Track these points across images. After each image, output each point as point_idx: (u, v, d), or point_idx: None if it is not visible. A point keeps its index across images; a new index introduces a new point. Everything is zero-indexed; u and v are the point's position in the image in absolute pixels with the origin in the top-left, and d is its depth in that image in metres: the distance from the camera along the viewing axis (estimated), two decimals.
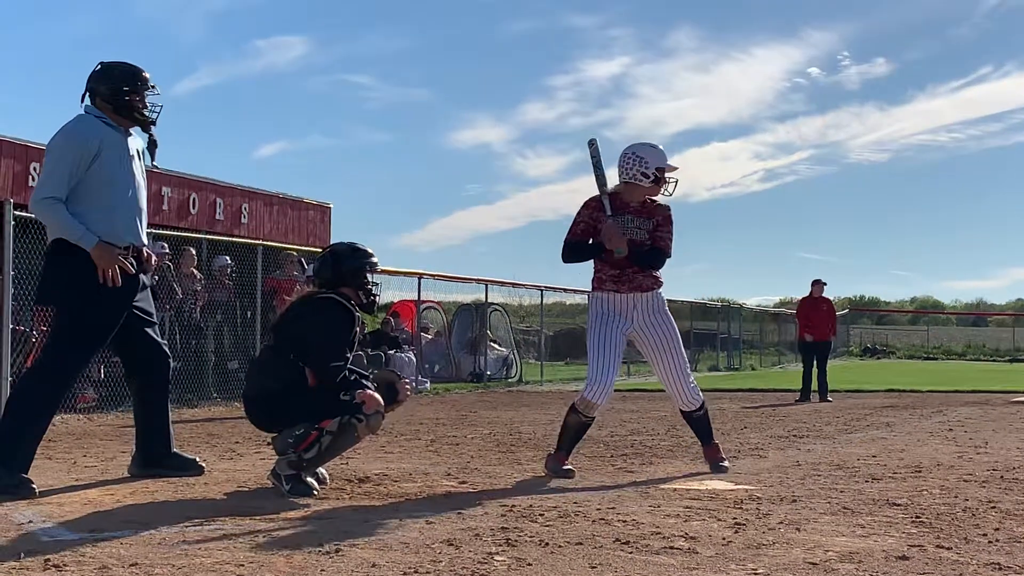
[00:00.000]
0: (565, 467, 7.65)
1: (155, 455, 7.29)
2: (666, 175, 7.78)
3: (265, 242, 18.41)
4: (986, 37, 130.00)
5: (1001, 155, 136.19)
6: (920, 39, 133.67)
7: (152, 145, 7.15)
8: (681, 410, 8.13)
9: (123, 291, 6.81)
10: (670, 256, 7.88)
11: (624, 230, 7.65)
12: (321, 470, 6.85)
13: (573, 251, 7.87)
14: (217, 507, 6.03)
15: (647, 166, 7.72)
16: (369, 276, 6.96)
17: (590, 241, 7.78)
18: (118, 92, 6.92)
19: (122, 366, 7.77)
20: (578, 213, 7.85)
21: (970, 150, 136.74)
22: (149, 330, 7.22)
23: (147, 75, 7.06)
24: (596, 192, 7.83)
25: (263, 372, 6.79)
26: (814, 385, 18.95)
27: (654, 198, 7.89)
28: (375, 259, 7.03)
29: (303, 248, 19.59)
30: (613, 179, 7.87)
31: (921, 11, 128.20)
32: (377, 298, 7.09)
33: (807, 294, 20.01)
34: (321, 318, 6.71)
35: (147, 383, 7.31)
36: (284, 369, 6.65)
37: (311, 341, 6.65)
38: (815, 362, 19.12)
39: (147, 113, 7.05)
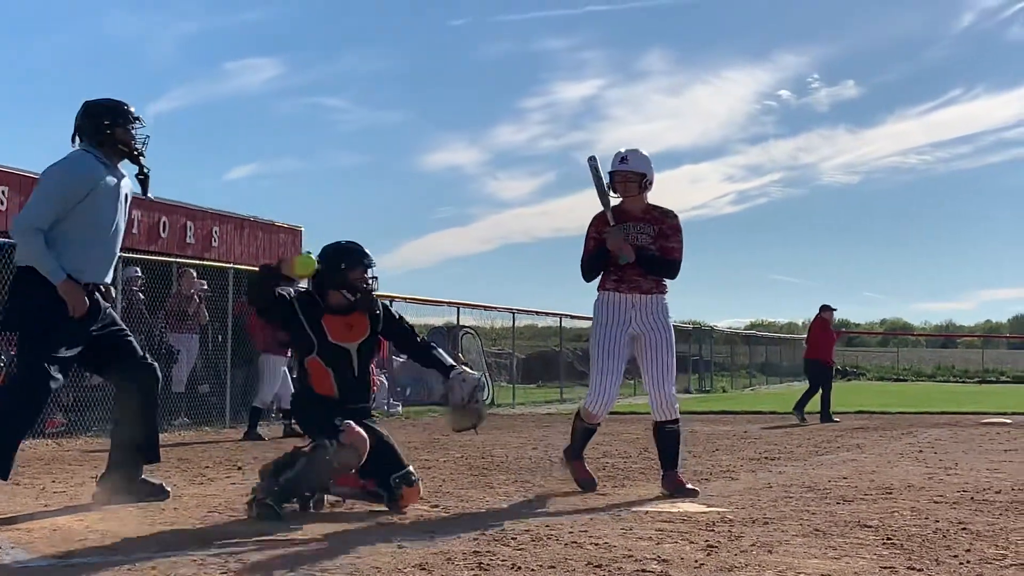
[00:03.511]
0: (583, 477, 8.08)
1: (123, 476, 7.27)
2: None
3: (236, 265, 18.34)
4: (955, 60, 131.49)
5: (970, 177, 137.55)
6: (889, 62, 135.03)
7: (143, 177, 7.21)
8: (654, 422, 8.19)
9: (83, 322, 6.86)
10: (680, 264, 8.05)
11: (625, 236, 7.84)
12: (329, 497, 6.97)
13: (589, 266, 8.06)
14: (187, 533, 5.99)
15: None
16: (351, 274, 6.97)
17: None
18: (100, 127, 6.99)
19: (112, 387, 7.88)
20: (587, 231, 8.08)
21: (939, 172, 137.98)
22: (126, 347, 7.24)
23: (130, 108, 7.11)
24: (599, 209, 8.05)
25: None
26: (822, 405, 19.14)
27: (657, 204, 8.12)
28: (356, 255, 7.05)
29: None
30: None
31: (890, 34, 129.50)
32: (359, 296, 7.03)
33: (821, 319, 20.16)
34: None
35: (127, 400, 7.31)
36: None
37: None
38: (821, 385, 19.36)
39: (135, 145, 7.09)
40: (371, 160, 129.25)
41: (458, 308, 26.46)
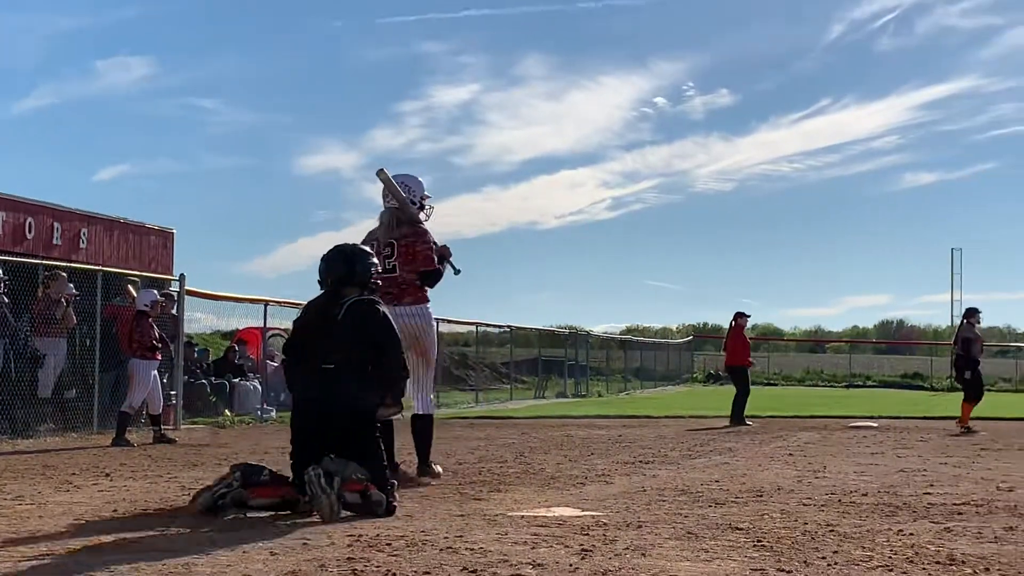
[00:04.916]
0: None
1: None
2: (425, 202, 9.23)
3: (105, 268, 17.95)
4: (825, 70, 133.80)
5: (839, 186, 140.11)
6: (762, 71, 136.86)
7: None
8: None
9: None
10: None
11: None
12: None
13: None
14: (52, 541, 5.84)
15: (414, 193, 9.14)
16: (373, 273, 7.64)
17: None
18: None
19: None
20: (429, 238, 9.03)
21: (810, 180, 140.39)
22: None
23: None
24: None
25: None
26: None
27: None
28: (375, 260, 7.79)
29: (144, 274, 19.16)
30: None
31: (763, 44, 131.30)
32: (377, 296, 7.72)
33: (736, 325, 20.54)
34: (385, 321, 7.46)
35: None
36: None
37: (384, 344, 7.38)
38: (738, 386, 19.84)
39: None
40: (246, 162, 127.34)
41: None
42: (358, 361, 7.25)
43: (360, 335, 7.26)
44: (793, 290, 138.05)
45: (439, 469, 9.16)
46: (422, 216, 9.11)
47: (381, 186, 9.17)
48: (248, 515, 6.73)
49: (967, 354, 18.30)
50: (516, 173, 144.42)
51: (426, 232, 9.00)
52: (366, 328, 7.28)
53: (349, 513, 6.69)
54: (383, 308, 7.51)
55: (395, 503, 6.99)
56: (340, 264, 7.50)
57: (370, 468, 6.93)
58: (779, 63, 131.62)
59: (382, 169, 8.99)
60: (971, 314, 18.94)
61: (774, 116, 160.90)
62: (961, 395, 18.78)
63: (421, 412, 9.24)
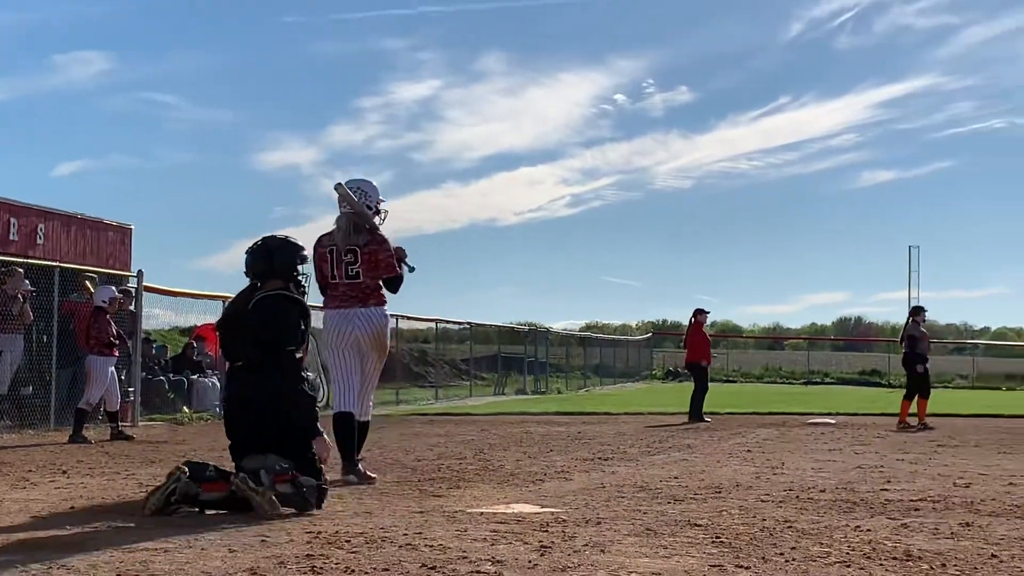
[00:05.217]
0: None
1: None
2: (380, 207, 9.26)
3: (62, 264, 17.81)
4: (784, 68, 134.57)
5: (797, 183, 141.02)
6: (721, 69, 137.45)
7: None
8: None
9: None
10: None
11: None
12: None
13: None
14: (8, 538, 5.78)
15: (370, 199, 9.19)
16: (300, 268, 7.51)
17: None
18: None
19: None
20: (390, 246, 9.09)
21: (769, 178, 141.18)
22: None
23: None
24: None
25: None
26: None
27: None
28: (306, 251, 7.67)
29: (102, 270, 19.01)
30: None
31: (723, 42, 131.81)
32: (307, 289, 7.76)
33: (695, 322, 20.64)
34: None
35: None
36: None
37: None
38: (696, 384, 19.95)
39: None
40: (205, 158, 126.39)
41: None
42: (263, 357, 7.19)
43: (265, 331, 7.21)
44: (752, 287, 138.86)
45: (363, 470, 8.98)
46: (377, 221, 9.12)
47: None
48: (205, 512, 6.69)
49: (913, 351, 18.65)
50: (476, 170, 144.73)
51: (385, 239, 9.05)
52: (270, 324, 7.22)
53: (290, 510, 6.67)
54: (296, 303, 7.40)
55: (326, 486, 7.01)
56: (261, 256, 7.46)
57: (293, 457, 6.89)
58: (738, 61, 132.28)
59: (340, 184, 9.05)
60: (917, 312, 19.45)
61: (733, 114, 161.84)
62: (903, 393, 19.00)
63: (360, 419, 9.06)
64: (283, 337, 7.21)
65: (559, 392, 38.13)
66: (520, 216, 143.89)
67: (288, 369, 7.17)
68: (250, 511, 6.61)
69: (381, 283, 9.04)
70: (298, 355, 7.26)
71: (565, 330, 52.35)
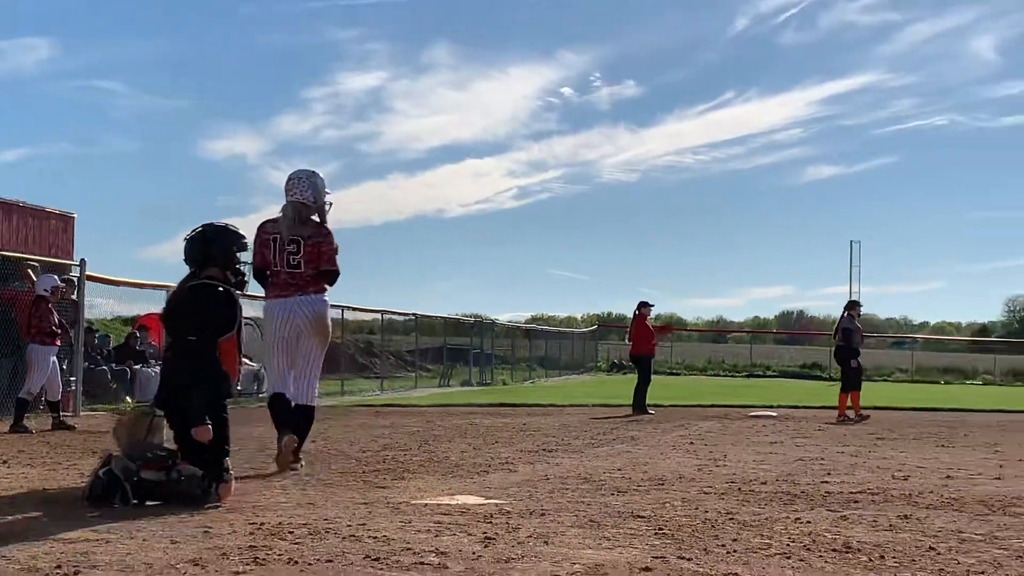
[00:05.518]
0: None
1: None
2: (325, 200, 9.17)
3: (3, 252, 17.60)
4: (730, 63, 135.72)
5: (741, 178, 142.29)
6: (668, 63, 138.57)
7: None
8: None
9: None
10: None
11: None
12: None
13: None
14: None
15: (320, 193, 9.11)
16: (239, 255, 7.49)
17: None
18: None
19: None
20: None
21: (713, 172, 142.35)
22: None
23: None
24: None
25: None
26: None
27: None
28: (245, 239, 7.61)
29: (44, 259, 18.81)
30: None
31: (669, 36, 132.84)
32: (246, 277, 7.67)
33: (639, 314, 20.67)
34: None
35: None
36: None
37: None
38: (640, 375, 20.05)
39: None
40: (149, 147, 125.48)
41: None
42: (185, 345, 7.17)
43: (185, 320, 7.20)
44: (696, 280, 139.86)
45: (303, 464, 9.02)
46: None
47: (285, 176, 9.16)
48: (146, 503, 6.65)
49: (848, 344, 18.94)
50: (422, 161, 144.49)
51: (330, 233, 9.02)
52: (189, 313, 7.20)
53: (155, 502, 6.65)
54: (222, 292, 7.34)
55: (228, 481, 6.93)
56: (199, 244, 7.44)
57: (201, 450, 6.88)
58: (685, 55, 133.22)
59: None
60: (852, 306, 20.03)
61: (679, 108, 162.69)
62: (839, 386, 19.27)
63: (304, 403, 9.10)
64: (196, 326, 7.14)
65: (504, 384, 38.17)
66: (466, 208, 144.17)
67: (193, 357, 7.10)
68: (190, 503, 6.59)
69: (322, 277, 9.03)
70: (216, 341, 7.14)
71: (511, 322, 52.41)
